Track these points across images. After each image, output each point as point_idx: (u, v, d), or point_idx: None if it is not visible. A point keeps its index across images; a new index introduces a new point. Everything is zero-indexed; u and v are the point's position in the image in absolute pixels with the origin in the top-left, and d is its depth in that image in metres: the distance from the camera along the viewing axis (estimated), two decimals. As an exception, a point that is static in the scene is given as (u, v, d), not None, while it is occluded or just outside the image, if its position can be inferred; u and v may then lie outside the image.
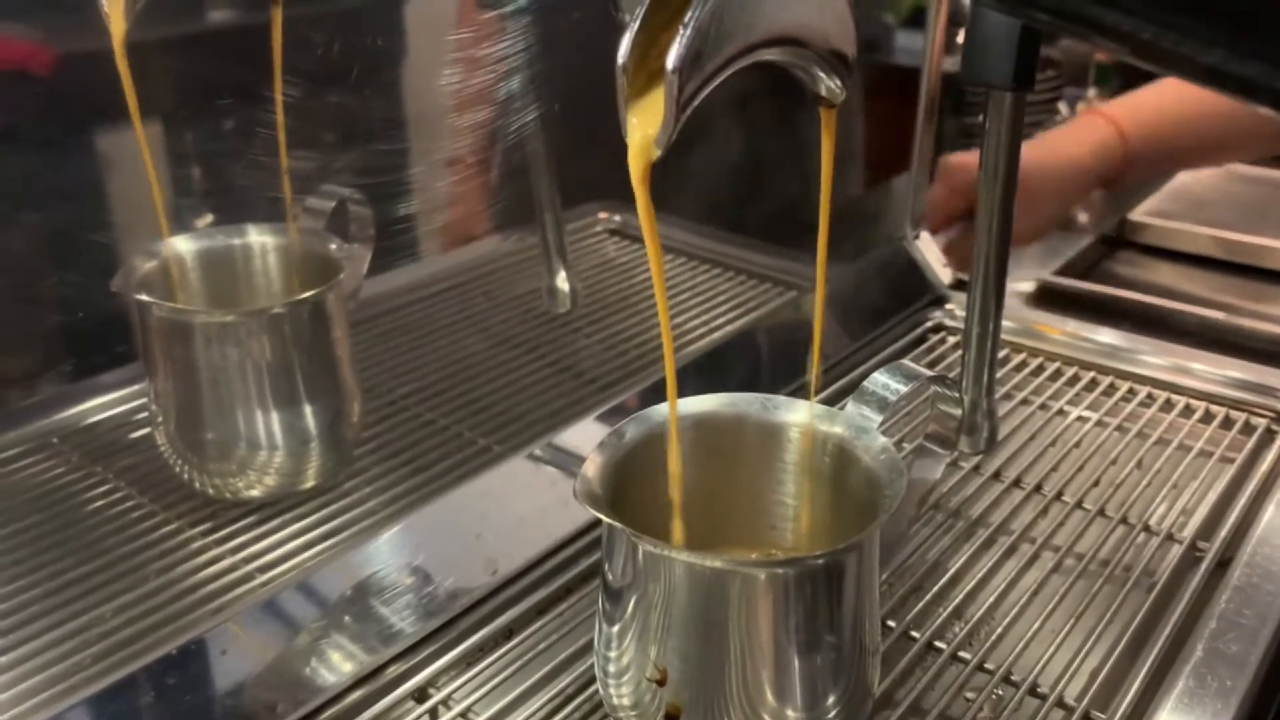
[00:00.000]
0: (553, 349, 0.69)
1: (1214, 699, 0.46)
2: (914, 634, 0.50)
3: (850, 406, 0.37)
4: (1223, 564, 0.54)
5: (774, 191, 1.26)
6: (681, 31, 0.34)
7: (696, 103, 0.35)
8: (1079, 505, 0.59)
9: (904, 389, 0.35)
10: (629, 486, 0.38)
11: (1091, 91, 1.18)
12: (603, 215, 0.85)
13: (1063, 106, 1.13)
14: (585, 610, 0.52)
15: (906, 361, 0.41)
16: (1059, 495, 0.59)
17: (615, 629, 0.37)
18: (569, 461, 0.59)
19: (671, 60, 0.34)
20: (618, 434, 0.39)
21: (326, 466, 0.56)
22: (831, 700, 0.38)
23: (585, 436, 0.61)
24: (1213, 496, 0.59)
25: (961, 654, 0.49)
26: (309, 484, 0.56)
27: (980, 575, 0.54)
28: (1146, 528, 0.57)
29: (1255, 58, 0.27)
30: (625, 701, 0.39)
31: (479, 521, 0.55)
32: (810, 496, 0.41)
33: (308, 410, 0.54)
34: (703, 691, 0.37)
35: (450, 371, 0.65)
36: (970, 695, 0.47)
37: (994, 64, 0.48)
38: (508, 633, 0.51)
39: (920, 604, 0.52)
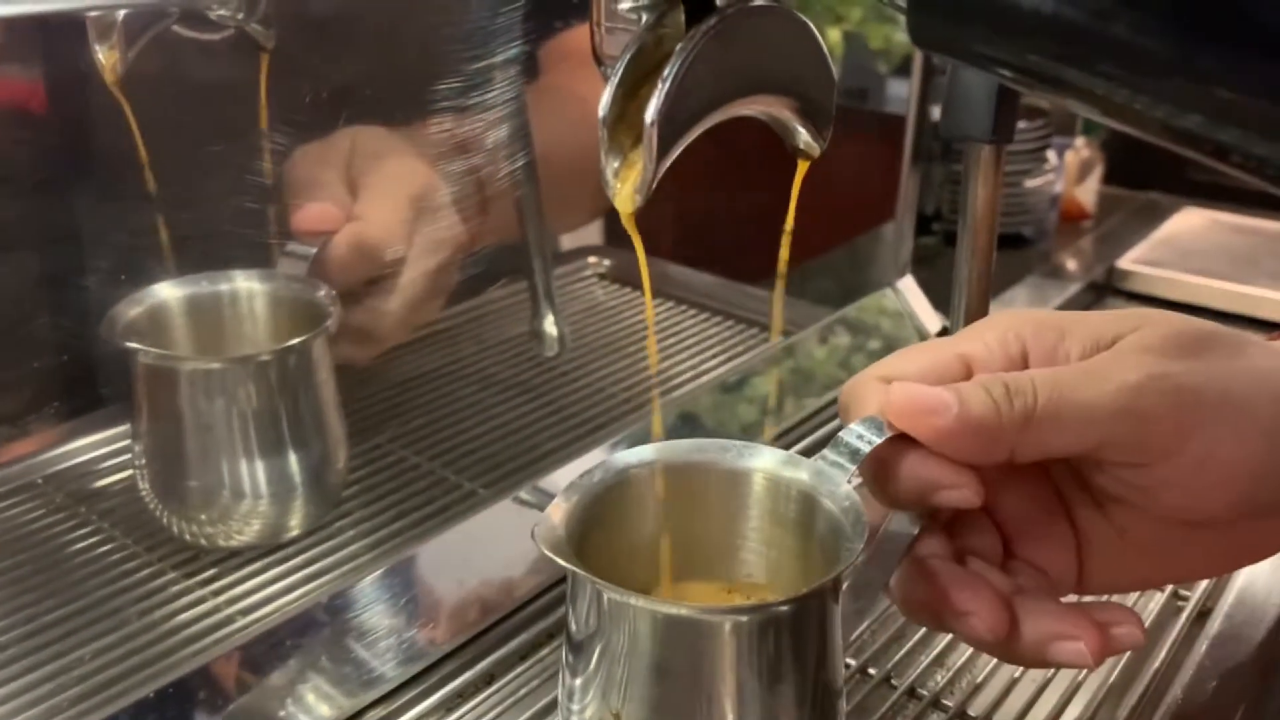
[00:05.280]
0: (540, 392, 0.69)
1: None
2: (894, 681, 0.50)
3: (824, 455, 0.37)
4: (1203, 614, 0.54)
5: (766, 235, 1.27)
6: (660, 85, 0.34)
7: (676, 154, 0.36)
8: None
9: (878, 440, 0.35)
10: (594, 533, 0.38)
11: (1079, 141, 1.20)
12: (592, 260, 0.86)
13: (1051, 155, 1.14)
14: (567, 656, 0.52)
15: (878, 417, 0.41)
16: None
17: (578, 680, 0.37)
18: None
19: (650, 113, 0.34)
20: (584, 480, 0.39)
21: (311, 514, 0.56)
22: None
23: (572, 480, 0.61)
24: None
25: (944, 701, 0.49)
26: (293, 532, 0.55)
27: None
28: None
29: (1232, 123, 0.27)
30: None
31: (462, 566, 0.55)
32: (778, 543, 0.41)
33: (293, 458, 0.54)
34: None
35: (437, 415, 0.65)
36: (951, 744, 0.47)
37: (973, 117, 0.49)
38: (488, 678, 0.51)
39: (902, 652, 0.52)
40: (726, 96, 0.36)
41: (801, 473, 0.39)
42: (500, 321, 0.73)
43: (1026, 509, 0.39)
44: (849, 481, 0.36)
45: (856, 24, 1.24)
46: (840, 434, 0.37)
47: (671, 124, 0.35)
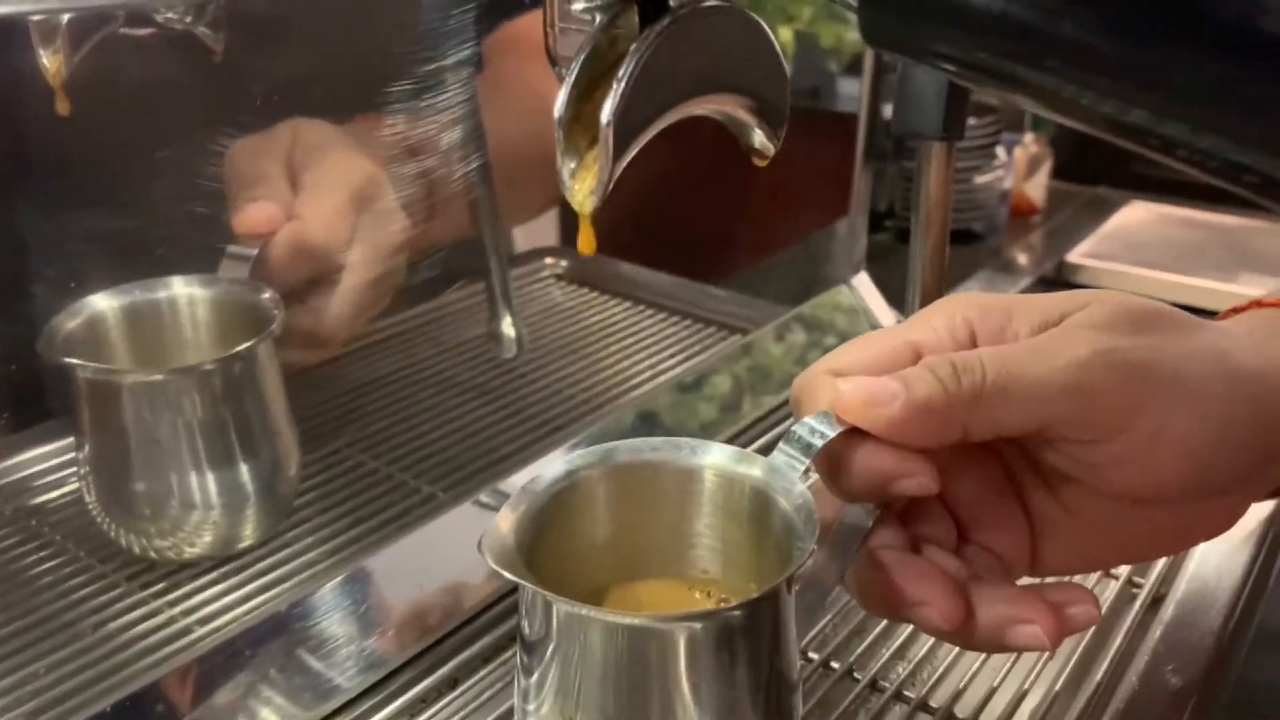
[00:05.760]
0: (498, 394, 0.69)
1: (1150, 733, 0.46)
2: (857, 675, 0.50)
3: (778, 450, 0.37)
4: (1157, 600, 0.55)
5: (723, 234, 1.28)
6: (615, 86, 0.34)
7: (632, 154, 0.36)
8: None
9: (830, 435, 0.36)
10: (545, 537, 0.38)
11: (1028, 137, 1.21)
12: (549, 261, 0.86)
13: (1000, 151, 1.16)
14: (530, 658, 0.52)
15: (829, 413, 0.41)
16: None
17: (533, 684, 0.37)
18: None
19: (606, 114, 0.34)
20: (532, 485, 0.39)
21: (264, 524, 0.55)
22: None
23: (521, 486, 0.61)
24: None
25: (905, 693, 0.49)
26: (246, 542, 0.55)
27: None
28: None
29: (1178, 118, 0.28)
30: None
31: (422, 571, 0.54)
32: (733, 539, 0.41)
33: (243, 468, 0.53)
34: None
35: (394, 419, 0.65)
36: (913, 736, 0.48)
37: (924, 114, 0.49)
38: (452, 682, 0.50)
39: (863, 645, 0.52)
40: (681, 96, 0.36)
41: (754, 469, 0.39)
42: (457, 324, 0.73)
43: (979, 494, 0.39)
44: (802, 477, 0.37)
45: (808, 23, 1.25)
46: (792, 429, 0.37)
47: (627, 125, 0.35)
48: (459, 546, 0.56)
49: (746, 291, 0.84)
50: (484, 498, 0.60)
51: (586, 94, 0.36)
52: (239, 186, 0.54)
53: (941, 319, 0.37)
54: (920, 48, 0.33)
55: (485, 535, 0.36)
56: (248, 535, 0.54)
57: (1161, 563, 0.57)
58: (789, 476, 0.37)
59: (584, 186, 0.36)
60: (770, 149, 0.41)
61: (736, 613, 0.35)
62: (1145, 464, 0.35)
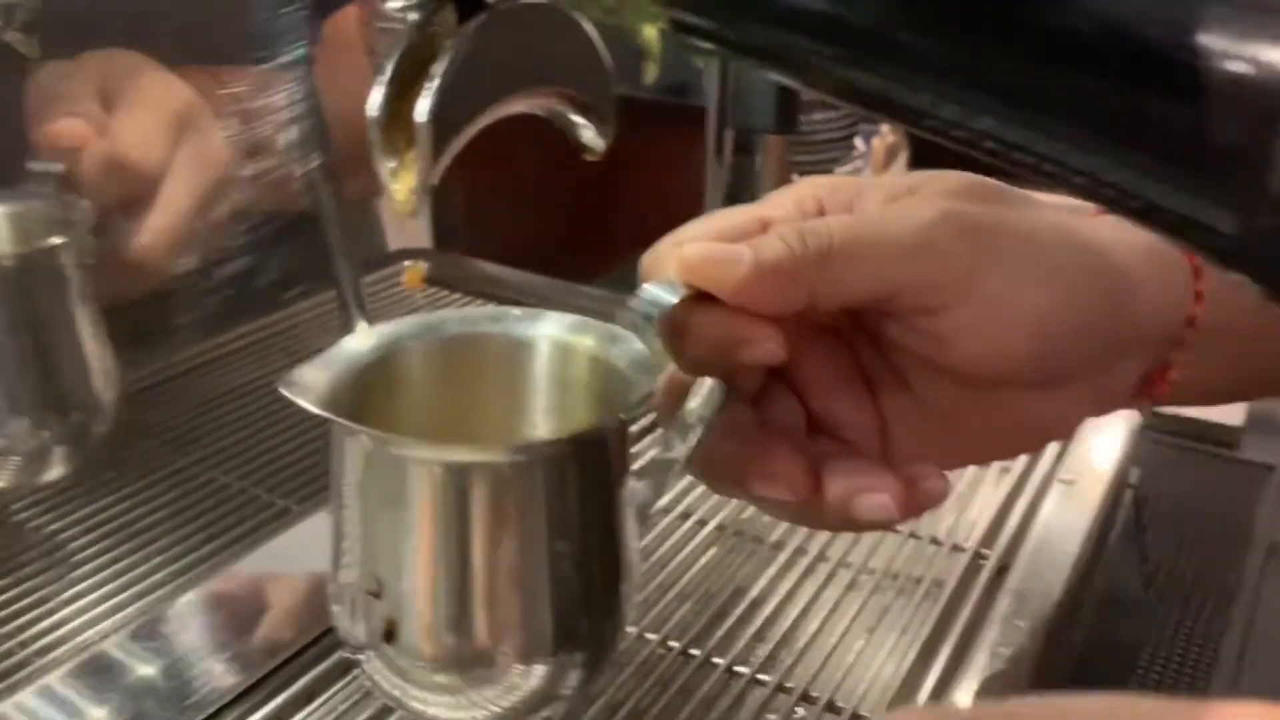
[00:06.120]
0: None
1: (998, 696, 0.48)
2: (716, 660, 0.51)
3: (618, 316, 0.36)
4: (1003, 569, 0.57)
5: (595, 231, 1.27)
6: (430, 84, 0.34)
7: (454, 152, 0.36)
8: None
9: (674, 298, 0.34)
10: (361, 412, 0.35)
11: (885, 127, 1.24)
12: (408, 264, 0.85)
13: (859, 142, 1.19)
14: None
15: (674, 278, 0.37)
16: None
17: (340, 543, 0.35)
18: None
19: (422, 113, 0.34)
20: (346, 348, 0.37)
21: (74, 454, 0.52)
22: (562, 618, 0.35)
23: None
24: (994, 506, 0.62)
25: (761, 677, 0.50)
26: (54, 473, 0.52)
27: (780, 598, 0.55)
28: (935, 540, 0.60)
29: (954, 101, 0.28)
30: (346, 624, 0.37)
31: (275, 585, 0.53)
32: (569, 412, 0.39)
33: (44, 381, 0.50)
34: (417, 602, 0.34)
35: (246, 433, 0.63)
36: (772, 717, 0.48)
37: (756, 108, 0.50)
38: (308, 696, 0.49)
39: (722, 630, 0.53)
40: (500, 94, 0.36)
41: (591, 337, 0.37)
42: (310, 333, 0.71)
43: (829, 383, 0.38)
44: (645, 342, 0.35)
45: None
46: (633, 296, 0.35)
47: (444, 123, 0.35)
48: (312, 559, 0.55)
49: (608, 288, 0.84)
50: (342, 506, 0.59)
51: (403, 93, 0.35)
52: (47, 105, 0.51)
53: (791, 198, 0.37)
54: (714, 34, 0.32)
55: (288, 378, 0.34)
56: (55, 464, 0.52)
57: (1006, 533, 0.59)
58: (629, 341, 0.36)
59: (405, 186, 0.36)
60: (600, 144, 0.41)
61: (567, 446, 0.33)
62: (990, 334, 0.35)
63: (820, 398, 0.38)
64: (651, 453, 0.34)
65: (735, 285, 0.34)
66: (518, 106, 0.38)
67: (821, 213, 0.37)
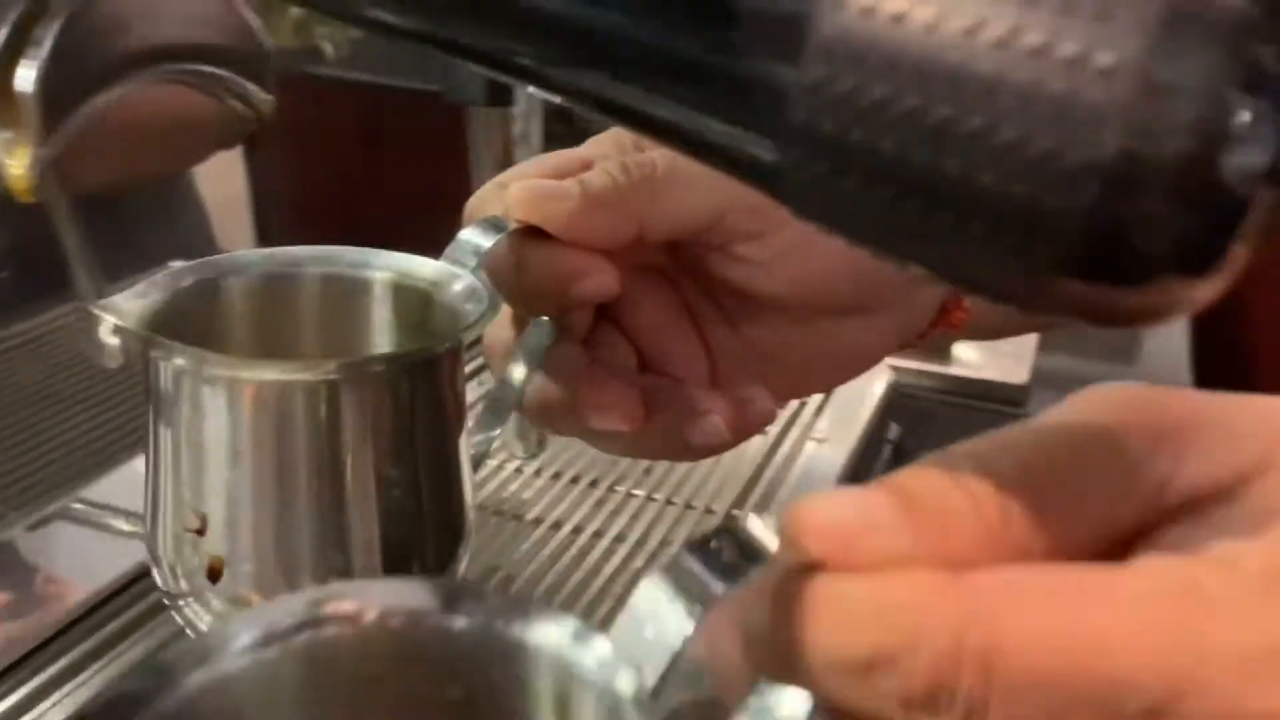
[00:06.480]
0: (97, 404, 0.65)
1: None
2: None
3: (444, 255, 0.35)
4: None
5: (420, 213, 1.25)
6: (29, 53, 0.32)
7: (73, 129, 0.34)
8: (630, 494, 0.61)
9: (501, 234, 0.34)
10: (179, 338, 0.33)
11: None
12: (175, 264, 0.82)
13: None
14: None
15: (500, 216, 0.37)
16: (612, 487, 0.62)
17: (154, 481, 0.33)
18: (102, 515, 0.56)
19: (22, 83, 0.32)
20: (165, 280, 0.36)
21: None
22: (394, 549, 0.34)
23: (124, 485, 0.58)
24: (746, 469, 0.62)
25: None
26: None
27: (555, 575, 0.54)
28: (689, 505, 0.60)
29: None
30: (166, 567, 0.35)
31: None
32: (401, 346, 0.39)
33: None
34: (245, 538, 0.33)
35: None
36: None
37: (469, 80, 0.49)
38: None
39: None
40: (120, 60, 0.34)
41: (422, 276, 0.37)
42: (63, 338, 0.69)
43: (658, 323, 0.39)
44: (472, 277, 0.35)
45: None
46: (458, 235, 0.35)
47: (55, 95, 0.33)
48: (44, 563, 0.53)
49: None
50: (76, 506, 0.56)
51: (12, 62, 0.33)
52: None
53: (609, 139, 0.38)
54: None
55: (103, 302, 0.32)
56: None
57: (758, 493, 0.60)
58: (461, 277, 0.35)
59: (20, 162, 0.34)
60: (264, 105, 0.39)
61: (392, 365, 0.32)
62: (807, 257, 0.36)
63: (648, 336, 0.39)
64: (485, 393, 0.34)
65: (566, 218, 0.34)
66: (156, 75, 0.36)
67: (641, 150, 0.37)
